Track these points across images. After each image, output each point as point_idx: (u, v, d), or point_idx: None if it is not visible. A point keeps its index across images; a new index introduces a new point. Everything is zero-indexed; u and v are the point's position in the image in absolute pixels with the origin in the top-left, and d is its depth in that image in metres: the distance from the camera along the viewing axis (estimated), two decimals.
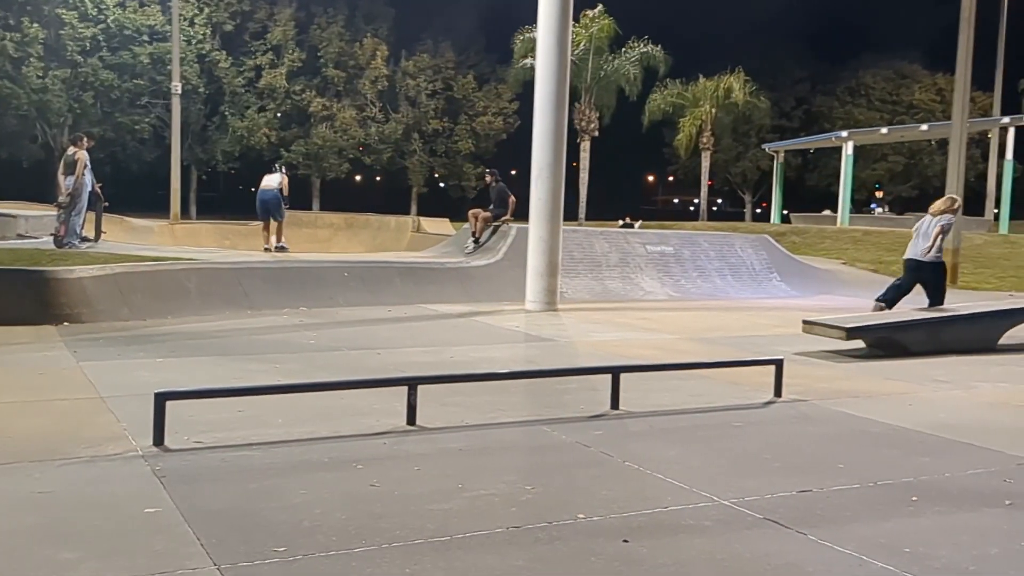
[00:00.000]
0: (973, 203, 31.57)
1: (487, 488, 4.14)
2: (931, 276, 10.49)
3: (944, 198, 11.21)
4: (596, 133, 35.32)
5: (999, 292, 15.98)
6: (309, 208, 40.66)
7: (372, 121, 43.80)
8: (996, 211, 31.94)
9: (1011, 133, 30.81)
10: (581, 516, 3.80)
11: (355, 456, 4.61)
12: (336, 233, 22.04)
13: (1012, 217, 31.99)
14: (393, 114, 44.46)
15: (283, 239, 15.70)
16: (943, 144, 32.16)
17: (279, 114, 42.26)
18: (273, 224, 15.56)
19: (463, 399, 5.89)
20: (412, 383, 5.34)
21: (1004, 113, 33.14)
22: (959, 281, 17.10)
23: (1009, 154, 31.12)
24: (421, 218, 23.22)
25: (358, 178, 51.10)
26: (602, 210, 36.63)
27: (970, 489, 4.44)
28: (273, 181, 15.57)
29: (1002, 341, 9.44)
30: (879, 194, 45.13)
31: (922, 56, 49.88)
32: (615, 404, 5.89)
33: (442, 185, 50.08)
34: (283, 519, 3.67)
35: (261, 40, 41.98)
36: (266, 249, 15.18)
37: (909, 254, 10.67)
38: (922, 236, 10.57)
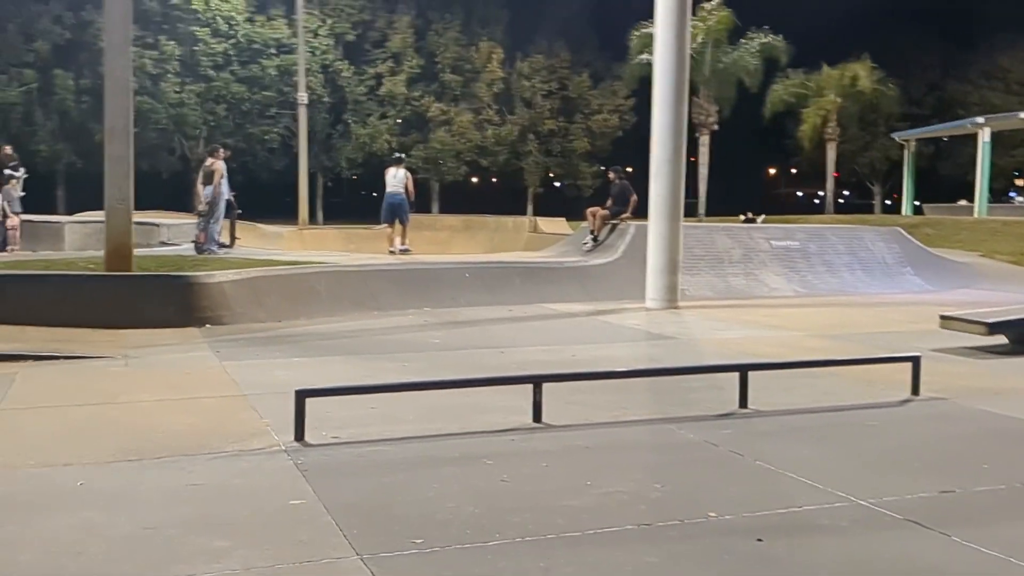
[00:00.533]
0: None
1: (616, 486, 4.16)
2: None
3: None
4: (716, 127, 34.67)
5: None
6: (428, 211, 41.42)
7: (488, 124, 44.28)
8: None
9: None
10: (712, 514, 3.77)
11: (483, 452, 4.70)
12: (455, 235, 22.39)
13: None
14: (509, 116, 44.85)
15: (407, 242, 16.05)
16: None
17: (399, 120, 43.22)
18: (398, 227, 15.92)
19: (587, 397, 5.92)
20: (537, 381, 5.41)
21: None
22: None
23: None
24: (538, 218, 23.32)
25: (475, 180, 51.73)
26: (723, 205, 35.92)
27: None
28: (399, 182, 15.88)
29: None
30: (1019, 183, 42.70)
31: None
32: (743, 403, 5.81)
33: (558, 185, 50.16)
34: (418, 512, 3.78)
35: (381, 48, 43.02)
36: (391, 252, 15.55)
37: None
38: None
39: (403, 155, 16.82)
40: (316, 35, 39.94)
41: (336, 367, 7.21)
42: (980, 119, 31.62)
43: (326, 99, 41.01)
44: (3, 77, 36.08)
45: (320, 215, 41.61)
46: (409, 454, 4.68)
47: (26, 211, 16.18)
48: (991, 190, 32.67)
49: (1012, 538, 3.53)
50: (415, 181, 16.62)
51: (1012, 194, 41.06)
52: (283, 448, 4.73)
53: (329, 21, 40.99)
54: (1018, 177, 45.06)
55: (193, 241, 14.10)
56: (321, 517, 3.73)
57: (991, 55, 48.66)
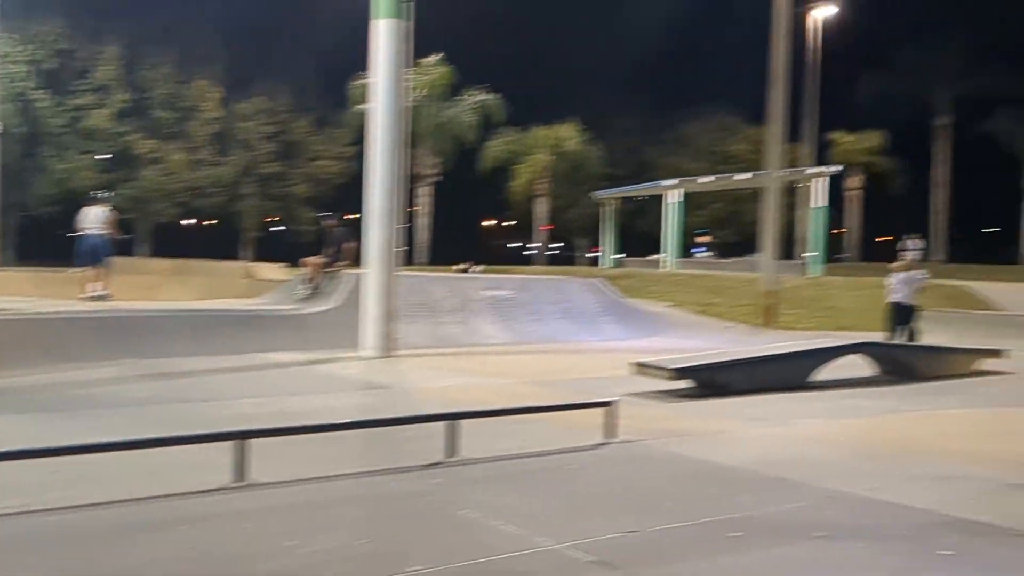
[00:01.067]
0: (788, 247, 33.73)
1: (322, 544, 4.03)
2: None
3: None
4: (437, 179, 35.61)
5: (812, 332, 17.07)
6: (135, 254, 38.82)
7: (204, 164, 42.47)
8: (808, 255, 34.22)
9: (819, 183, 33.19)
10: (417, 567, 3.76)
11: (181, 516, 4.39)
12: (165, 280, 21.10)
13: (823, 261, 34.34)
14: (226, 157, 43.30)
15: (105, 286, 14.86)
16: (760, 192, 34.34)
17: (104, 156, 40.33)
18: (96, 270, 14.70)
19: (297, 451, 5.73)
20: (242, 436, 5.16)
21: (814, 163, 35.74)
22: (776, 322, 18.17)
23: (818, 201, 33.49)
24: (255, 264, 22.62)
25: (189, 222, 49.30)
26: (443, 255, 36.82)
27: (787, 523, 4.69)
28: (98, 221, 14.66)
29: (814, 378, 10.07)
30: (704, 239, 47.45)
31: (741, 110, 53.20)
32: (454, 451, 5.88)
33: (277, 230, 49.02)
34: None
35: (85, 79, 40.08)
36: (87, 297, 14.32)
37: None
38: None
39: (106, 193, 15.60)
40: (10, 60, 36.47)
41: (17, 427, 6.47)
42: (670, 181, 34.87)
43: (20, 129, 37.43)
44: None
45: (9, 255, 37.65)
46: (96, 523, 4.26)
47: None
48: (682, 245, 36.03)
49: (690, 573, 3.82)
50: (118, 221, 15.43)
51: (699, 250, 45.48)
52: None
53: (26, 47, 37.60)
54: (704, 234, 50.02)
55: None
56: None
57: (682, 124, 54.05)
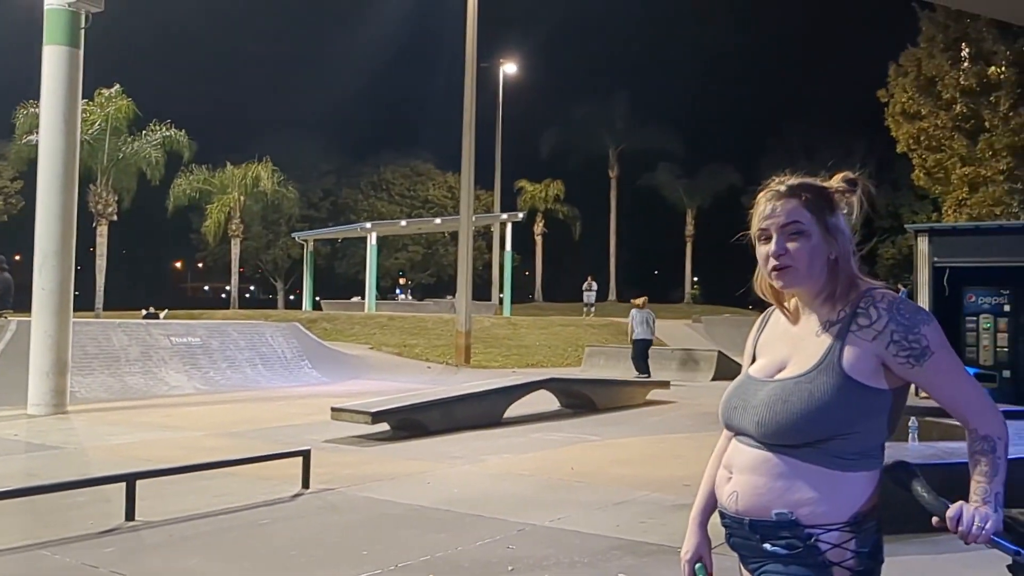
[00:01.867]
0: (481, 289, 35.15)
1: None
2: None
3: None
4: (115, 217, 33.04)
5: (505, 369, 17.83)
6: None
7: None
8: (500, 296, 35.83)
9: (509, 227, 34.95)
10: None
11: None
12: None
13: (513, 301, 36.10)
14: None
15: None
16: (455, 236, 35.47)
17: None
18: None
19: None
20: None
21: (503, 210, 37.60)
22: (472, 360, 18.78)
23: (508, 245, 35.22)
24: None
25: None
26: (124, 299, 34.26)
27: (479, 560, 4.79)
28: None
29: (506, 414, 10.49)
30: (402, 281, 48.13)
31: (435, 156, 54.92)
32: (131, 515, 5.43)
33: None
34: None
35: None
36: None
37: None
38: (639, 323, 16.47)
39: None
40: None
41: None
42: (368, 224, 35.09)
43: None
44: None
45: None
46: None
47: None
48: (379, 287, 36.28)
49: None
50: None
51: (398, 291, 45.99)
52: None
53: None
54: (402, 276, 50.76)
55: None
56: None
57: (378, 168, 54.69)
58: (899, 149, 23.78)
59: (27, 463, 7.87)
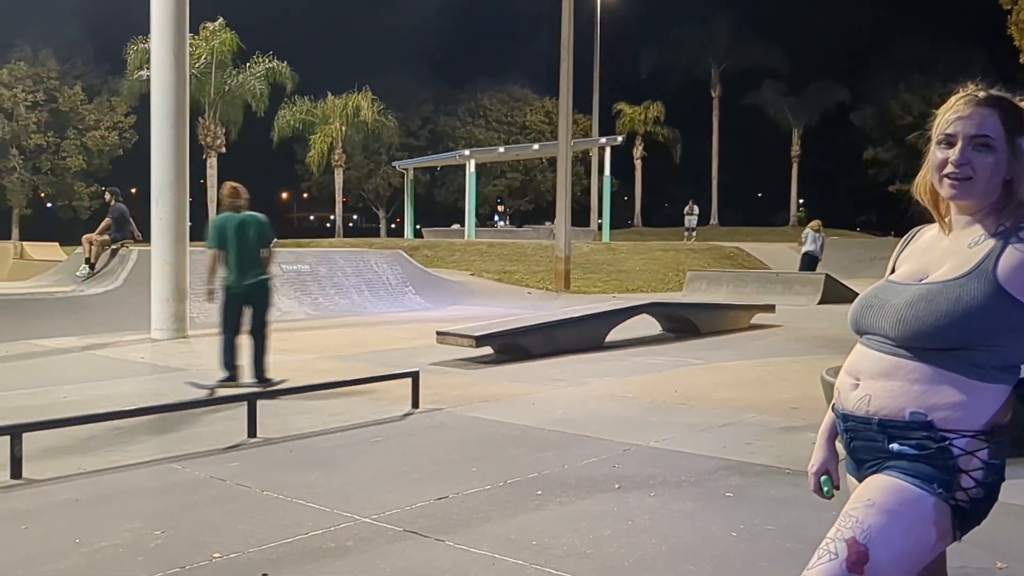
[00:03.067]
0: (580, 215, 34.94)
1: (109, 539, 3.80)
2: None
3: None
4: (223, 149, 34.00)
5: (604, 295, 17.80)
6: None
7: None
8: (599, 221, 35.60)
9: (607, 152, 34.49)
10: (217, 555, 3.62)
11: None
12: None
13: (612, 226, 35.82)
14: None
15: None
16: (553, 162, 35.30)
17: None
18: None
19: (78, 444, 5.37)
20: (14, 431, 4.76)
21: (601, 134, 37.09)
22: (571, 286, 18.81)
23: (607, 170, 34.82)
24: (25, 243, 20.84)
25: None
26: None
27: (586, 477, 4.88)
28: None
29: (608, 339, 10.51)
30: (501, 208, 48.28)
31: (532, 81, 54.32)
32: (252, 432, 5.70)
33: (49, 206, 45.39)
34: None
35: None
36: None
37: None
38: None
39: None
40: None
41: None
42: (466, 151, 35.15)
43: None
44: None
45: None
46: None
47: None
48: (478, 215, 36.47)
49: (497, 535, 3.90)
50: None
51: (496, 218, 46.22)
52: None
53: None
54: (500, 203, 50.92)
55: None
56: None
57: (475, 95, 54.48)
58: None
59: (153, 384, 8.33)
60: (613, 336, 10.60)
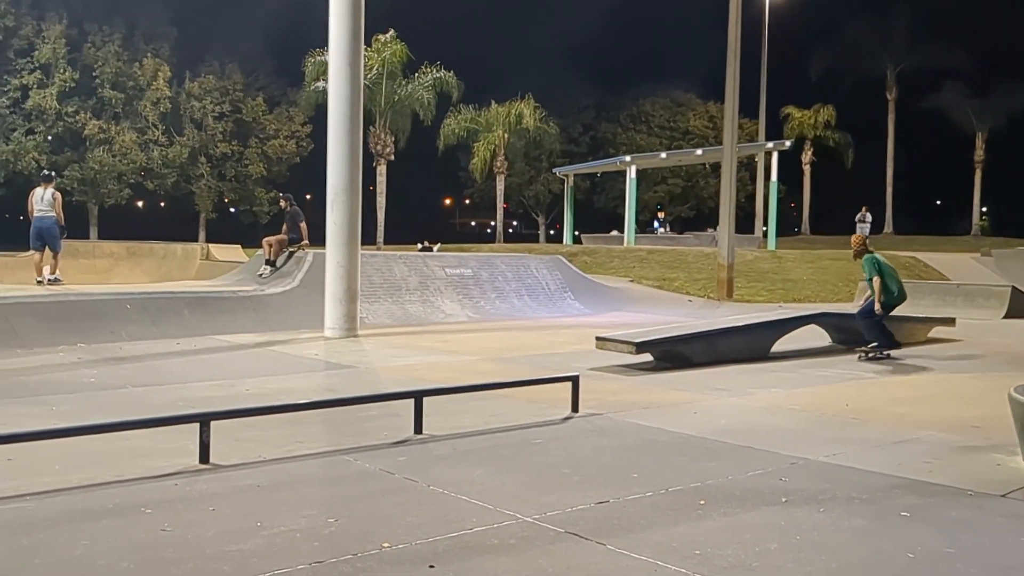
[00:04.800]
0: (744, 222, 34.07)
1: (287, 524, 4.00)
2: None
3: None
4: (392, 157, 35.24)
5: (769, 304, 17.28)
6: (86, 237, 38.05)
7: (155, 144, 41.65)
8: (764, 229, 34.57)
9: (774, 157, 33.47)
10: (386, 545, 3.75)
11: (143, 500, 4.33)
12: (117, 263, 20.73)
13: (778, 234, 34.71)
14: (178, 137, 42.51)
15: (57, 270, 14.57)
16: (716, 167, 34.60)
17: (49, 137, 39.36)
18: (47, 253, 14.39)
19: (259, 433, 5.69)
20: (203, 419, 5.10)
21: (768, 138, 36.03)
22: (734, 295, 18.36)
23: (773, 176, 33.81)
24: (211, 245, 22.31)
25: (141, 204, 48.46)
26: (400, 234, 36.59)
27: (751, 489, 4.75)
28: (47, 204, 14.37)
29: (773, 349, 10.20)
30: (661, 214, 47.76)
31: (696, 86, 53.45)
32: (418, 429, 5.88)
33: (233, 210, 48.34)
34: (63, 574, 3.39)
35: (28, 58, 39.02)
36: (39, 282, 14.03)
37: None
38: None
39: (52, 173, 15.22)
40: None
41: None
42: (627, 157, 34.93)
43: None
44: None
45: None
46: (53, 509, 4.19)
47: None
48: (638, 221, 36.19)
49: (658, 542, 3.86)
50: (63, 203, 15.09)
51: (656, 225, 45.74)
52: None
53: None
54: (660, 210, 50.34)
55: None
56: None
57: (637, 101, 54.15)
58: None
59: (326, 380, 8.72)
60: (779, 347, 10.28)
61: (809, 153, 47.20)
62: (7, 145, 37.90)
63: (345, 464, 5.18)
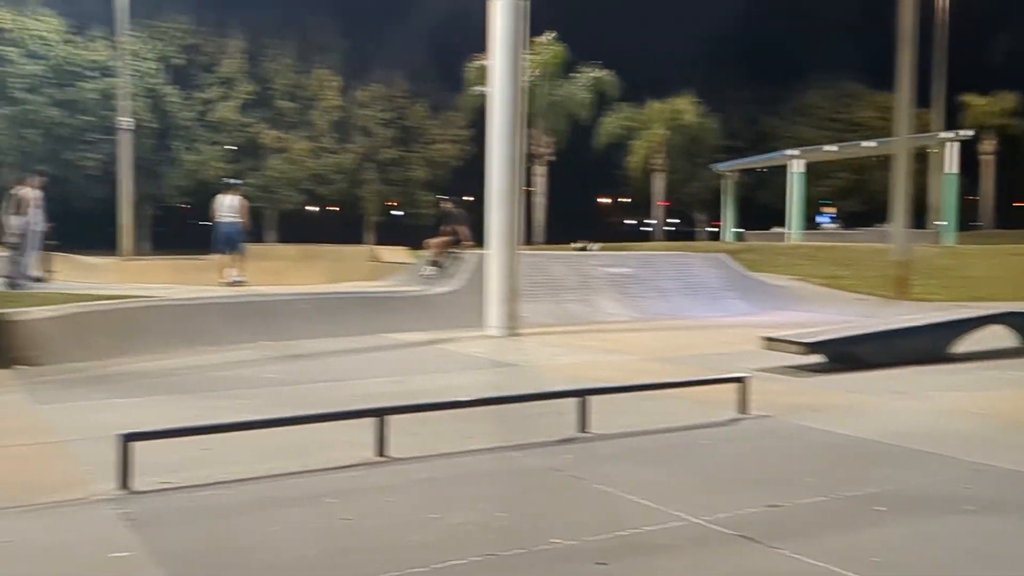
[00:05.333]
0: (918, 216, 32.30)
1: (460, 517, 4.13)
2: None
3: None
4: (552, 157, 35.58)
5: (948, 302, 16.32)
6: (263, 240, 40.36)
7: (325, 151, 43.68)
8: (941, 223, 32.69)
9: (952, 148, 31.60)
10: (556, 541, 3.81)
11: (325, 490, 4.57)
12: (292, 265, 21.87)
13: (957, 228, 32.75)
14: (346, 144, 44.42)
15: (241, 272, 15.54)
16: (887, 160, 32.95)
17: (231, 147, 41.99)
18: (232, 256, 15.38)
19: (430, 428, 5.87)
20: (380, 414, 5.33)
21: (945, 129, 34.04)
22: (909, 293, 17.44)
23: (950, 167, 31.92)
24: (378, 247, 23.17)
25: (313, 209, 50.89)
26: (559, 233, 36.84)
27: (932, 496, 4.53)
28: (233, 210, 15.35)
29: (953, 350, 9.64)
30: (830, 210, 45.90)
31: (864, 75, 51.10)
32: (584, 427, 5.92)
33: (398, 213, 50.06)
34: (256, 557, 3.63)
35: (211, 73, 41.76)
36: (224, 283, 15.01)
37: None
38: None
39: (239, 182, 16.25)
40: (140, 58, 38.33)
41: (165, 407, 6.85)
42: (795, 151, 33.83)
43: (152, 124, 39.36)
44: None
45: (146, 245, 39.75)
46: (246, 497, 4.49)
47: None
48: (805, 217, 34.99)
49: (835, 548, 3.74)
50: (247, 209, 16.07)
51: (824, 218, 43.99)
52: (105, 497, 4.43)
53: (157, 44, 39.43)
54: (829, 205, 48.43)
55: (8, 276, 13.04)
56: (151, 568, 3.51)
57: (801, 93, 52.33)
58: None
59: (490, 377, 8.91)
60: (961, 348, 9.71)
61: (990, 143, 44.28)
62: (192, 156, 40.68)
63: (513, 460, 5.28)
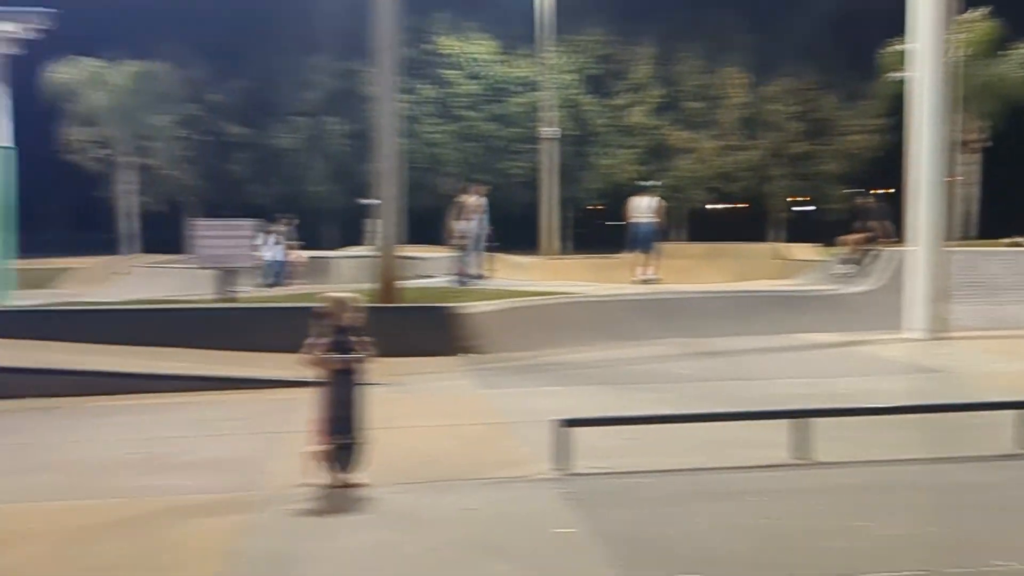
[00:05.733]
0: None
1: (889, 528, 4.02)
2: None
3: None
4: (987, 144, 32.01)
5: None
6: (674, 239, 41.31)
7: (732, 149, 43.55)
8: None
9: None
10: (998, 563, 3.57)
11: (744, 488, 4.69)
12: (699, 263, 22.17)
13: None
14: (754, 141, 43.88)
15: (654, 270, 16.03)
16: None
17: (642, 150, 43.52)
18: (646, 255, 15.92)
19: (849, 433, 5.71)
20: (802, 416, 5.30)
21: None
22: None
23: None
24: (786, 244, 22.65)
25: (718, 207, 50.92)
26: (994, 228, 33.17)
27: None
28: (649, 211, 15.89)
29: None
30: None
31: None
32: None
33: (807, 209, 48.31)
34: (687, 546, 3.86)
35: (623, 80, 43.59)
36: (637, 280, 15.63)
37: None
38: None
39: (656, 184, 16.82)
40: (561, 71, 41.18)
41: (589, 397, 7.41)
42: None
43: (572, 132, 42.10)
44: (280, 125, 40.09)
45: (566, 246, 42.61)
46: (671, 487, 4.75)
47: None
48: None
49: None
50: (664, 210, 16.61)
51: None
52: (547, 476, 4.95)
53: (574, 57, 42.15)
54: None
55: (455, 274, 14.69)
56: (589, 547, 3.89)
57: None
58: None
59: (911, 383, 8.40)
60: None
61: None
62: (607, 160, 42.85)
63: (944, 473, 4.98)
